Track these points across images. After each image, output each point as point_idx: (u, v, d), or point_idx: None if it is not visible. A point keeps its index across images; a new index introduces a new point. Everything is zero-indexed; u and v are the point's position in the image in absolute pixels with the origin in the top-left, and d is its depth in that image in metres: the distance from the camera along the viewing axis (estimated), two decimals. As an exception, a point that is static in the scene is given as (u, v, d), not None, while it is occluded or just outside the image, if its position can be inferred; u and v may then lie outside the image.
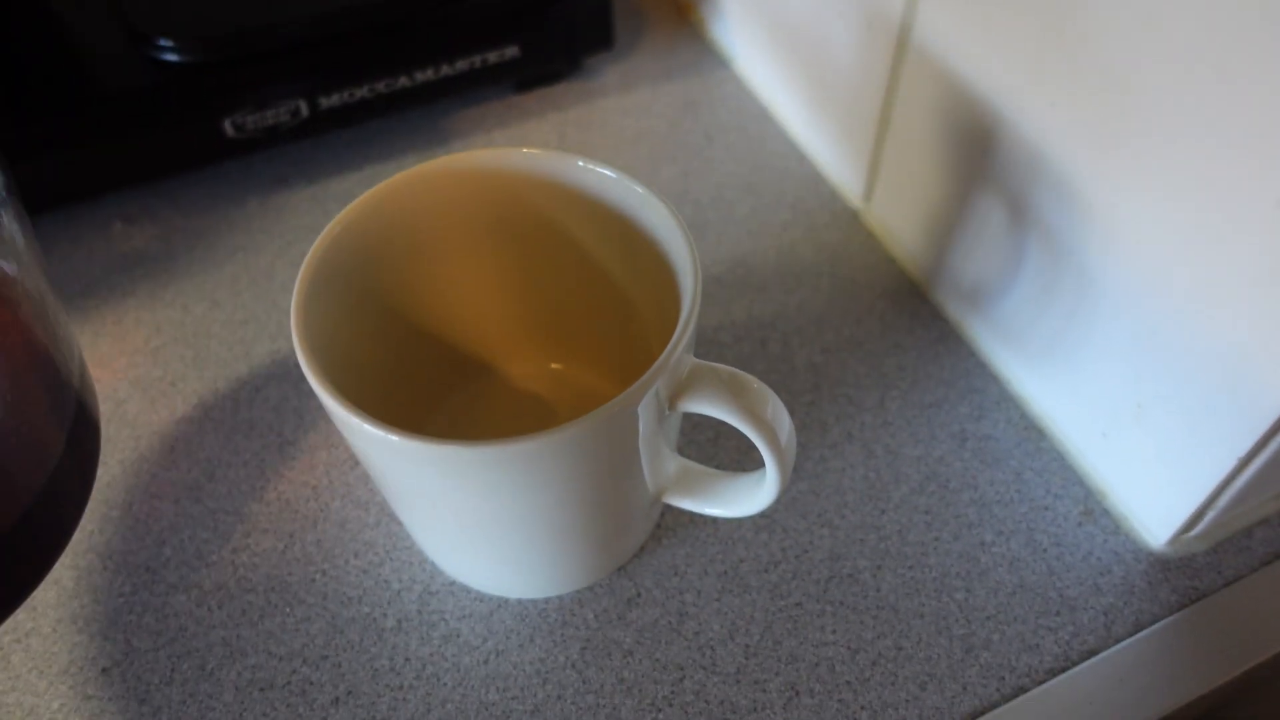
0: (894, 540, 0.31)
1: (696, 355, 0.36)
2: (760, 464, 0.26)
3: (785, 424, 0.26)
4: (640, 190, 0.27)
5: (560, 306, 0.33)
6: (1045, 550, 0.31)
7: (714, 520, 0.32)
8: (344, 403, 0.23)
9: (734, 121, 0.44)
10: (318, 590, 0.31)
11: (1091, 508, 0.32)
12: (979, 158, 0.32)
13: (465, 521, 0.26)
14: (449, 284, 0.31)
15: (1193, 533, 0.31)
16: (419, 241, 0.29)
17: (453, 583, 0.31)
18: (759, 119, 0.44)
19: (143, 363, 0.37)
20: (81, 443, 0.25)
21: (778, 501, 0.32)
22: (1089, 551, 0.31)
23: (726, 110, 0.45)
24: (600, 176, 0.28)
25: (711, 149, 0.43)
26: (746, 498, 0.28)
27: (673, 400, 0.25)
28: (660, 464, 0.28)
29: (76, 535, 0.32)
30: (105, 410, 0.35)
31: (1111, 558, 0.31)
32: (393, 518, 0.32)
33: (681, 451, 0.34)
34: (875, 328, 0.37)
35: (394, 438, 0.23)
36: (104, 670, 0.29)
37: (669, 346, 0.24)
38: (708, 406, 0.25)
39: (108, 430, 0.35)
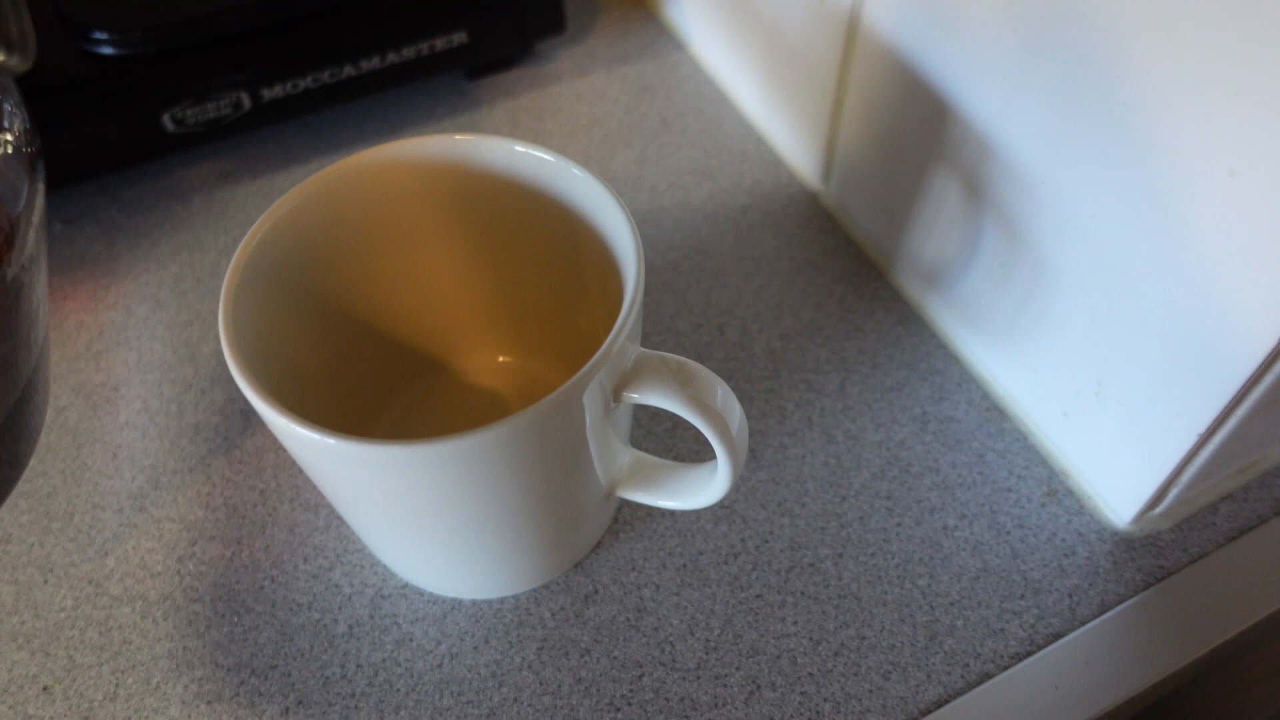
0: (855, 527, 0.31)
1: (654, 344, 0.35)
2: (713, 452, 0.26)
3: (736, 413, 0.25)
4: (579, 173, 0.26)
5: (507, 297, 0.32)
6: (1009, 533, 0.31)
7: (672, 512, 0.31)
8: (274, 405, 0.22)
9: (690, 105, 0.44)
10: (266, 597, 0.30)
11: (1055, 488, 0.31)
12: (933, 137, 0.32)
13: (413, 524, 0.26)
14: (390, 278, 0.30)
15: (1156, 510, 0.30)
16: (357, 234, 0.29)
17: (405, 585, 0.30)
18: (716, 102, 0.44)
19: (84, 368, 0.36)
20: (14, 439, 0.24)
21: (734, 491, 0.31)
22: (1053, 533, 0.30)
23: (683, 94, 0.44)
24: (539, 160, 0.27)
25: (668, 133, 0.42)
26: (700, 489, 0.27)
27: (618, 391, 0.24)
28: (611, 456, 0.27)
29: (16, 549, 0.31)
30: (46, 419, 0.34)
31: (1075, 538, 0.30)
32: (343, 520, 0.31)
33: (638, 443, 0.33)
34: (835, 311, 0.36)
35: (329, 440, 0.22)
36: (45, 688, 0.28)
37: (611, 335, 0.23)
38: (654, 397, 0.24)
39: (48, 439, 0.34)
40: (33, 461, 0.33)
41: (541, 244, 0.29)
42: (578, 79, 0.45)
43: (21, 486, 0.33)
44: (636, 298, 0.24)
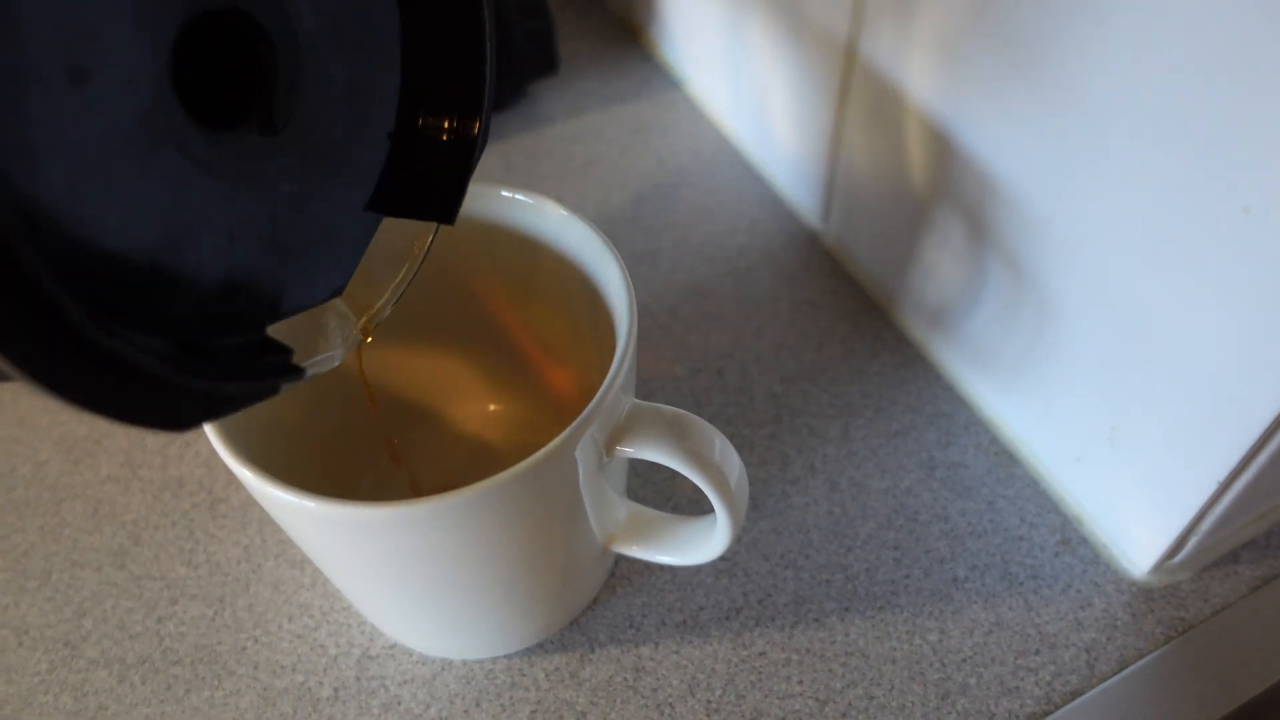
0: (862, 580, 0.30)
1: (651, 390, 0.34)
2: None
3: (735, 465, 0.24)
4: (569, 218, 0.26)
5: (498, 344, 0.31)
6: (1022, 584, 0.29)
7: (670, 567, 0.30)
8: (247, 463, 0.21)
9: (687, 144, 0.43)
10: (249, 659, 0.29)
11: (1069, 536, 0.30)
12: (933, 174, 0.31)
13: (399, 585, 0.24)
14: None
15: (1176, 559, 0.29)
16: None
17: (393, 645, 0.29)
18: (712, 141, 0.43)
19: (67, 420, 0.35)
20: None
21: (734, 545, 0.30)
22: (1068, 583, 0.29)
23: (679, 134, 0.43)
24: (526, 206, 0.26)
25: (664, 173, 0.42)
26: (699, 545, 0.26)
27: (610, 445, 0.23)
28: (607, 510, 0.26)
29: (-10, 609, 0.30)
30: (25, 473, 0.33)
31: (1092, 589, 0.29)
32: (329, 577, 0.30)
33: (636, 492, 0.32)
34: (837, 353, 0.35)
35: (308, 503, 0.21)
36: (15, 758, 0.27)
37: (602, 388, 0.22)
38: (649, 450, 0.23)
39: (26, 494, 0.33)
40: (10, 517, 0.32)
41: (533, 290, 0.28)
42: (572, 120, 0.44)
43: (-2, 544, 0.32)
44: (629, 348, 0.23)
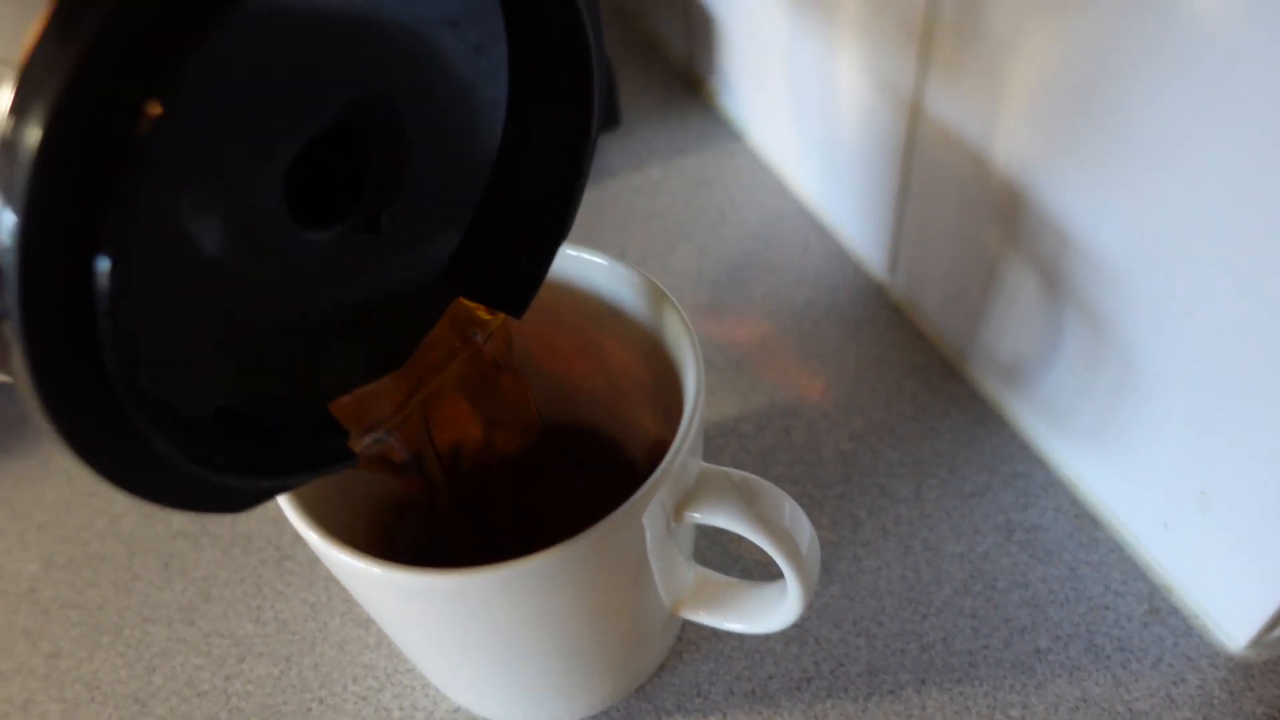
0: (939, 649, 0.28)
1: (716, 448, 0.34)
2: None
3: (805, 531, 0.23)
4: (630, 275, 0.26)
5: (554, 405, 0.31)
6: (1109, 656, 0.28)
7: (738, 633, 0.29)
8: (315, 527, 0.21)
9: (750, 197, 0.43)
10: (314, 720, 0.29)
11: (1158, 605, 0.29)
12: (1005, 226, 0.30)
13: (461, 650, 0.24)
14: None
15: (1277, 632, 0.27)
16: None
17: (458, 710, 0.29)
18: (776, 193, 0.43)
19: (141, 475, 0.35)
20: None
21: (804, 613, 0.29)
22: (1159, 657, 0.28)
23: (740, 185, 0.43)
24: (588, 264, 0.26)
25: (726, 226, 0.42)
26: (769, 612, 0.25)
27: (679, 510, 0.23)
28: (674, 575, 0.25)
29: (65, 664, 0.30)
30: (99, 527, 0.34)
31: (1184, 664, 0.28)
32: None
33: (702, 554, 0.31)
34: (907, 410, 0.34)
35: (374, 569, 0.21)
36: (85, 817, 0.27)
37: (670, 452, 0.22)
38: (718, 516, 0.23)
39: (101, 549, 0.33)
40: (86, 572, 0.33)
41: (595, 348, 0.28)
42: (634, 173, 0.45)
43: (73, 596, 0.32)
44: (697, 410, 0.23)
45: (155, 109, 0.13)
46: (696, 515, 0.23)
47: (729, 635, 0.29)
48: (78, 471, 0.36)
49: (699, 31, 0.47)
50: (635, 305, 0.26)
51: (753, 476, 0.23)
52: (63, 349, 0.13)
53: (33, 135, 0.12)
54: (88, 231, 0.13)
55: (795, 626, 0.29)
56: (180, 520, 0.34)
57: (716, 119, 0.47)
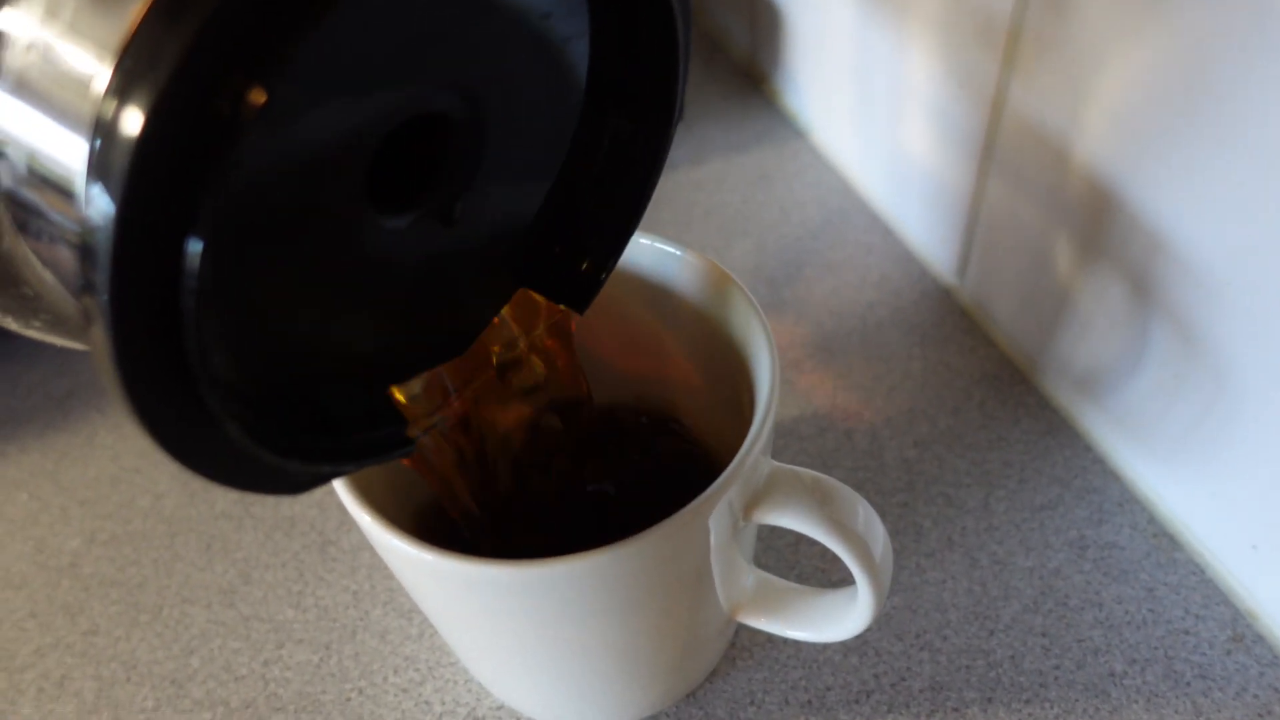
0: (1006, 668, 0.27)
1: (775, 451, 0.33)
2: (850, 576, 0.23)
3: (879, 536, 0.22)
4: (704, 266, 0.24)
5: (617, 398, 0.30)
6: (1189, 684, 0.26)
7: (794, 641, 0.28)
8: (364, 504, 0.20)
9: (812, 195, 0.42)
10: (353, 712, 0.28)
11: (1242, 632, 0.27)
12: (1090, 228, 0.29)
13: (511, 644, 0.23)
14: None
15: (1372, 667, 0.26)
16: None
17: (501, 707, 0.28)
18: (839, 192, 0.42)
19: (185, 453, 0.35)
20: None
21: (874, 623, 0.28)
22: (1242, 686, 0.26)
23: (803, 183, 0.42)
24: (656, 251, 0.25)
25: (787, 224, 0.40)
26: (836, 620, 0.24)
27: (748, 510, 0.22)
28: (735, 579, 0.24)
29: (102, 641, 0.30)
30: (143, 505, 0.33)
31: (1271, 695, 0.26)
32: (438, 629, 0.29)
33: (758, 558, 0.30)
34: (975, 418, 0.33)
35: (426, 556, 0.20)
36: (118, 799, 0.27)
37: (743, 449, 0.21)
38: (789, 518, 0.21)
39: (143, 526, 0.33)
40: (127, 549, 0.32)
41: (660, 340, 0.27)
42: (694, 168, 0.44)
43: (113, 574, 0.31)
44: (771, 407, 0.22)
45: (260, 96, 0.13)
46: (766, 516, 0.22)
47: (785, 643, 0.28)
48: (123, 449, 0.35)
49: (764, 27, 0.45)
50: (702, 295, 0.25)
51: (825, 477, 0.22)
52: (145, 328, 0.13)
53: (136, 119, 0.11)
54: (182, 214, 0.13)
55: (855, 637, 0.28)
56: (223, 501, 0.33)
57: (778, 116, 0.46)
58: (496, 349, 0.23)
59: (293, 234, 0.16)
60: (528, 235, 0.22)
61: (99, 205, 0.12)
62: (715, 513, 0.20)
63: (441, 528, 0.26)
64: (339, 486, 0.21)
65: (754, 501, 0.22)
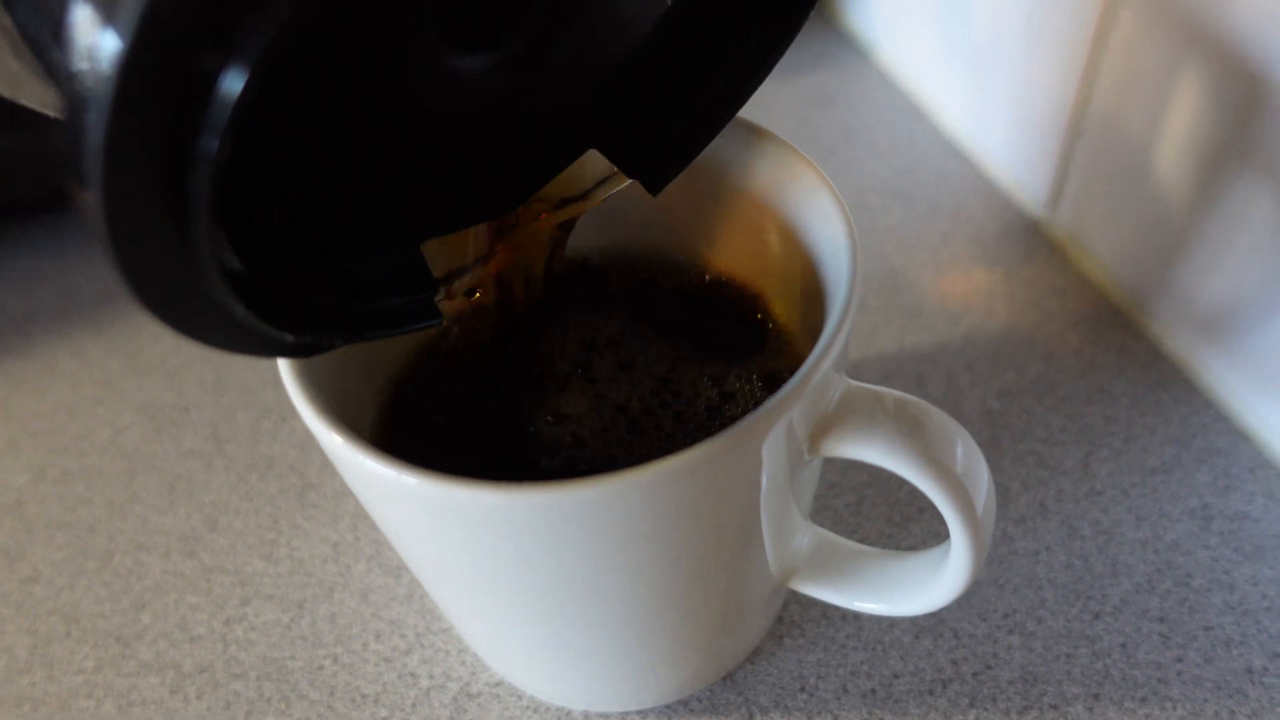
0: (1116, 658, 0.22)
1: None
2: (932, 538, 0.18)
3: (983, 479, 0.17)
4: (786, 157, 0.20)
5: (660, 287, 0.25)
6: (1349, 687, 0.21)
7: (855, 616, 0.23)
8: (327, 419, 0.16)
9: (877, 118, 0.37)
10: (324, 682, 0.23)
11: None
12: (1231, 128, 0.23)
13: (511, 598, 0.19)
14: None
15: None
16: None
17: (500, 683, 0.23)
18: (907, 115, 0.37)
19: (154, 384, 0.31)
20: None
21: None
22: None
23: (868, 106, 0.37)
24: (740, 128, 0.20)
25: (850, 149, 0.35)
26: (918, 586, 0.19)
27: (815, 438, 0.17)
28: (788, 533, 0.20)
29: (43, 591, 0.26)
30: (102, 438, 0.29)
31: None
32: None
33: (814, 520, 0.25)
34: (1071, 366, 0.28)
35: (408, 479, 0.15)
36: (41, 774, 0.22)
37: (811, 357, 0.16)
38: (865, 448, 0.17)
39: (100, 462, 0.29)
40: (80, 486, 0.28)
41: (714, 224, 0.23)
42: (742, 89, 0.39)
43: (61, 515, 0.27)
44: (848, 312, 0.17)
45: None
46: (839, 445, 0.17)
47: (841, 619, 0.23)
48: (84, 376, 0.31)
49: (823, -64, 0.40)
50: (766, 177, 0.20)
51: (913, 399, 0.17)
52: (148, 178, 0.11)
53: None
54: (217, 38, 0.11)
55: (930, 616, 0.23)
56: (192, 438, 0.29)
57: (840, 37, 0.41)
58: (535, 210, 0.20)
59: (347, 74, 0.14)
60: (611, 92, 0.19)
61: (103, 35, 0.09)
62: (772, 436, 0.16)
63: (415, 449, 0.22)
64: (286, 376, 0.17)
65: (823, 428, 0.17)
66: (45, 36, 0.12)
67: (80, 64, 0.10)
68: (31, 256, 0.35)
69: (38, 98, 0.14)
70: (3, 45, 0.13)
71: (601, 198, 0.20)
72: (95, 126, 0.10)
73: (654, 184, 0.19)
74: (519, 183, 0.19)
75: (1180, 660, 0.22)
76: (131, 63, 0.10)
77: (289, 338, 0.15)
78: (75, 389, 0.31)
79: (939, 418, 0.17)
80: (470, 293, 0.20)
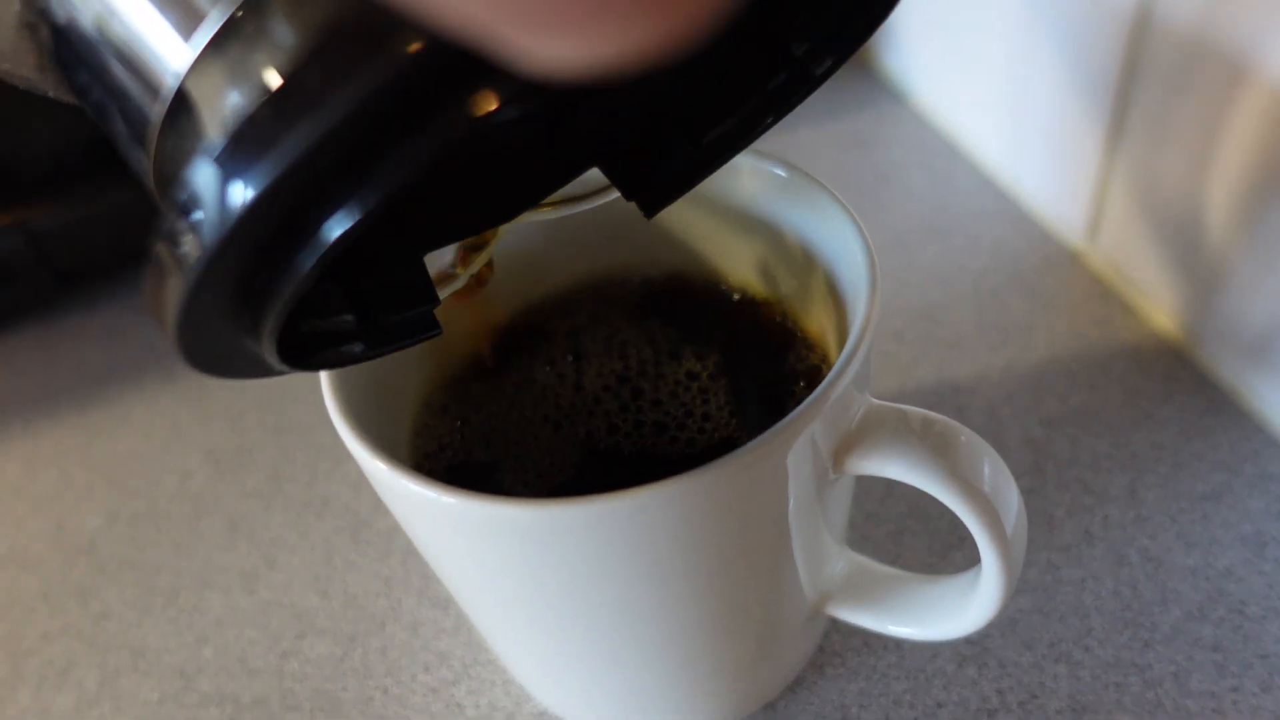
0: (1168, 688, 0.22)
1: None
2: (967, 562, 0.18)
3: (1012, 499, 0.17)
4: (792, 177, 0.20)
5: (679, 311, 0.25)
6: None
7: (898, 645, 0.23)
8: (364, 440, 0.17)
9: (913, 159, 0.37)
10: (375, 713, 0.24)
11: None
12: (1273, 153, 0.23)
13: (551, 626, 0.19)
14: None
15: None
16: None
17: (543, 713, 0.23)
18: (944, 155, 0.37)
19: (220, 430, 0.32)
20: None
21: (996, 618, 0.23)
22: None
23: (903, 148, 0.38)
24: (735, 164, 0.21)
25: (887, 189, 0.36)
26: (951, 611, 0.19)
27: (839, 455, 0.17)
28: (821, 556, 0.20)
29: (114, 626, 0.27)
30: (170, 485, 0.30)
31: None
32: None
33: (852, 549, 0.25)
34: (1116, 394, 0.28)
35: (447, 499, 0.16)
36: (107, 801, 0.23)
37: (832, 373, 0.16)
38: (891, 465, 0.17)
39: (169, 506, 0.30)
40: (149, 529, 0.29)
41: (726, 248, 0.23)
42: (780, 134, 0.39)
43: (132, 555, 0.29)
44: (867, 328, 0.17)
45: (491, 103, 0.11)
46: (863, 462, 0.17)
47: (885, 648, 0.23)
48: (155, 425, 0.32)
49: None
50: (782, 200, 0.21)
51: (940, 417, 0.17)
52: (225, 281, 0.11)
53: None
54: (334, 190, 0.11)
55: (972, 643, 0.23)
56: (253, 480, 0.30)
57: (874, 82, 0.42)
58: None
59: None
60: (619, 121, 0.19)
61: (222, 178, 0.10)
62: (795, 451, 0.16)
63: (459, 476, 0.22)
64: (330, 402, 0.18)
65: (847, 444, 0.17)
66: (120, 128, 0.13)
67: (195, 213, 0.10)
68: (111, 312, 0.37)
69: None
70: (27, 52, 0.13)
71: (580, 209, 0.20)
72: (193, 270, 0.10)
73: (651, 209, 0.19)
74: (521, 197, 0.20)
75: (1236, 690, 0.21)
76: (251, 216, 0.10)
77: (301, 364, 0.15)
78: (147, 436, 0.32)
79: (966, 435, 0.17)
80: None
